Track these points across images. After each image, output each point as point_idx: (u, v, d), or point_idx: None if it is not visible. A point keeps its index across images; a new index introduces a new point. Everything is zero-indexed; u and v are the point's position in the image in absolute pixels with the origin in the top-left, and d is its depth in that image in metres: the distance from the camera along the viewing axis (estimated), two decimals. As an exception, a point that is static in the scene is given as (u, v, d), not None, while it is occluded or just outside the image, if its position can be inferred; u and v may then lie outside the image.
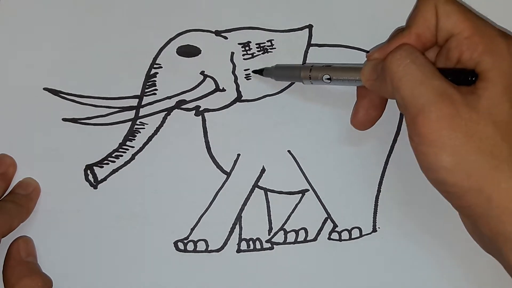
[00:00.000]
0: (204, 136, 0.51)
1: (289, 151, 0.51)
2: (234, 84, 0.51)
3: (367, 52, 0.51)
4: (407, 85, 0.39)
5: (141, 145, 0.51)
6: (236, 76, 0.51)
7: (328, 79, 0.46)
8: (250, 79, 0.51)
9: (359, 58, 0.51)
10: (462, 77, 0.40)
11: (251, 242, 0.51)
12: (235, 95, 0.51)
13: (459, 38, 0.41)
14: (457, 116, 0.38)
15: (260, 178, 0.51)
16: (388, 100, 0.46)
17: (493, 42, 0.40)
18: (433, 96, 0.38)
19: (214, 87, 0.51)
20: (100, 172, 0.51)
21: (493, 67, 0.39)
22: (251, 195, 0.51)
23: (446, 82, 0.39)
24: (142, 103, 0.51)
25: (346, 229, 0.51)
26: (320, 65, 0.47)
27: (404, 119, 0.50)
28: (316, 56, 0.52)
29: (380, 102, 0.46)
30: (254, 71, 0.51)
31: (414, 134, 0.39)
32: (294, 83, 0.51)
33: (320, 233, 0.51)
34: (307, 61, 0.52)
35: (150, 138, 0.51)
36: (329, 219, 0.51)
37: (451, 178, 0.38)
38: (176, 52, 0.51)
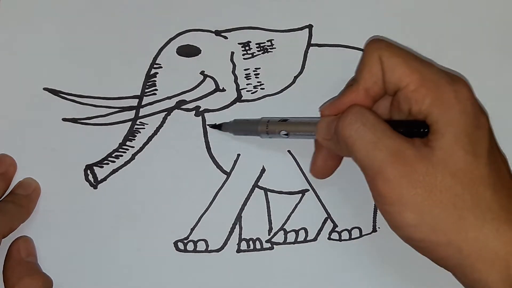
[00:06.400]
0: (204, 136, 0.51)
1: (289, 151, 0.51)
2: (234, 84, 0.51)
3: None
4: (361, 148, 0.40)
5: (141, 145, 0.51)
6: (236, 76, 0.51)
7: (285, 134, 0.47)
8: (250, 78, 0.51)
9: (359, 58, 0.51)
10: (415, 129, 0.40)
11: (251, 242, 0.51)
12: (235, 95, 0.51)
13: (406, 92, 0.41)
14: (414, 173, 0.38)
15: (260, 178, 0.51)
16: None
17: (440, 92, 0.40)
18: (387, 157, 0.39)
19: (214, 87, 0.51)
20: (100, 172, 0.51)
21: (442, 118, 0.39)
22: (251, 195, 0.51)
23: (398, 140, 0.39)
24: (142, 103, 0.51)
25: (346, 229, 0.51)
26: (277, 120, 0.47)
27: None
28: (316, 56, 0.52)
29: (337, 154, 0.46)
30: (212, 126, 0.51)
31: (376, 194, 0.40)
32: (295, 81, 0.51)
33: (320, 233, 0.51)
34: (307, 62, 0.52)
35: (150, 138, 0.51)
36: (329, 219, 0.51)
37: (418, 234, 0.39)
38: (176, 52, 0.51)
